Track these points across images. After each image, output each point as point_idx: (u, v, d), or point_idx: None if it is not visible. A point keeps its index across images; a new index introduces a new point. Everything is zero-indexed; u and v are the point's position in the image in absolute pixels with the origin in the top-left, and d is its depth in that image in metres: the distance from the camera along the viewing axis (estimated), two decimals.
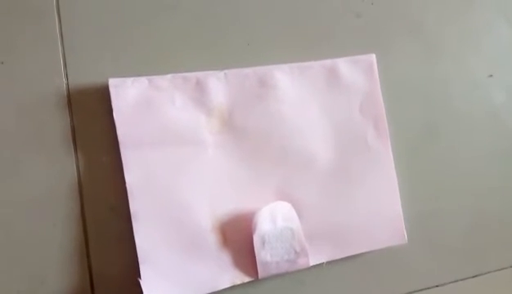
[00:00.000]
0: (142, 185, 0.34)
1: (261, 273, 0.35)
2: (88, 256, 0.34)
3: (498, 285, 0.42)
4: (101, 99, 0.34)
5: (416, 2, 0.42)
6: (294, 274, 0.37)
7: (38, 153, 0.34)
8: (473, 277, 0.41)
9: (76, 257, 0.34)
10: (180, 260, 0.34)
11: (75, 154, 0.34)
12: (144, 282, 0.33)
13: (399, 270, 0.40)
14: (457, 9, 0.43)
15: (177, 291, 0.34)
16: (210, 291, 0.34)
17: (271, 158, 0.36)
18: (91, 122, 0.35)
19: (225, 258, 0.35)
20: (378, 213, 0.38)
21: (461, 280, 0.41)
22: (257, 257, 0.35)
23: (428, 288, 0.40)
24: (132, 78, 0.35)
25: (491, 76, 0.43)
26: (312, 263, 0.36)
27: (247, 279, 0.35)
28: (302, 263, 0.36)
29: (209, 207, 0.35)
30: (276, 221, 0.35)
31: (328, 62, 0.38)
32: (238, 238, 0.35)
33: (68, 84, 0.35)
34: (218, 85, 0.36)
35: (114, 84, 0.34)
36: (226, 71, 0.36)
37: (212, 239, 0.35)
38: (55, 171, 0.34)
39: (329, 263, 0.37)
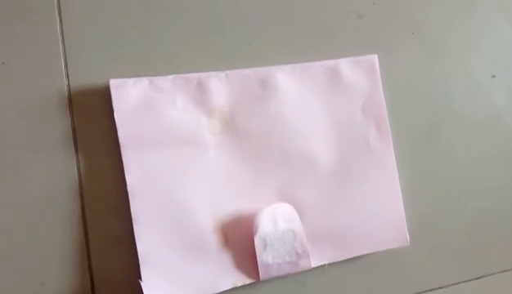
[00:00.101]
0: (143, 186, 0.34)
1: (262, 275, 0.35)
2: (89, 258, 0.34)
3: (501, 287, 0.42)
4: (102, 99, 0.34)
5: (418, 3, 0.42)
6: (295, 276, 0.37)
7: (39, 153, 0.34)
8: (477, 279, 0.41)
9: (77, 259, 0.34)
10: (181, 261, 0.34)
11: (76, 155, 0.34)
12: (145, 284, 0.33)
13: (401, 272, 0.40)
14: (459, 10, 0.43)
15: (177, 293, 0.34)
16: (211, 293, 0.34)
17: (272, 159, 0.36)
18: (92, 122, 0.34)
19: (226, 260, 0.35)
20: (380, 215, 0.38)
21: (464, 282, 0.41)
22: (258, 259, 0.34)
23: (431, 290, 0.40)
24: (133, 79, 0.34)
25: (493, 77, 0.43)
26: (313, 265, 0.36)
27: (248, 281, 0.35)
28: (303, 265, 0.35)
29: (210, 208, 0.35)
30: (277, 223, 0.35)
31: (330, 63, 0.38)
32: (239, 239, 0.35)
33: (69, 85, 0.35)
34: (220, 86, 0.36)
35: (115, 85, 0.34)
36: (227, 72, 0.36)
37: (213, 241, 0.35)
38: (55, 172, 0.34)
39: (330, 265, 0.37)
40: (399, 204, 0.38)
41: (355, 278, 0.39)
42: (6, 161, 0.33)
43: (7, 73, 0.34)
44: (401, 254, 0.39)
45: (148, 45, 0.36)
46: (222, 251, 0.35)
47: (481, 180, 0.42)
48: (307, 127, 0.37)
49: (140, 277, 0.33)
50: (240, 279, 0.35)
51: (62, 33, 0.35)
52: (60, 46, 0.35)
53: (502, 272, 0.42)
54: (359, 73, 0.39)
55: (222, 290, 0.34)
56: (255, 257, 0.35)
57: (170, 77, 0.35)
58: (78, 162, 0.34)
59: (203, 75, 0.36)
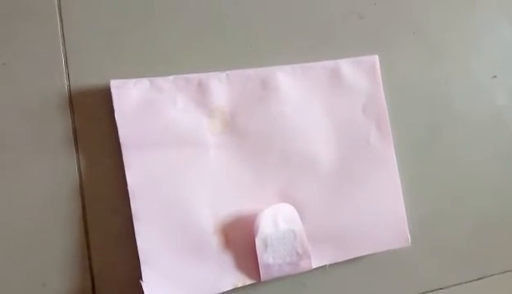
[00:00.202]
0: (144, 187, 0.34)
1: (263, 276, 0.35)
2: (90, 258, 0.34)
3: (502, 288, 0.42)
4: (102, 100, 0.34)
5: (419, 3, 0.42)
6: (296, 277, 0.37)
7: (40, 154, 0.34)
8: (478, 279, 0.41)
9: (77, 259, 0.34)
10: (182, 262, 0.34)
11: (77, 156, 0.34)
12: (145, 284, 0.33)
13: (402, 273, 0.40)
14: (460, 10, 0.43)
15: None
16: None
17: (273, 160, 0.36)
18: (92, 123, 0.34)
19: (227, 260, 0.35)
20: (381, 215, 0.38)
21: (465, 283, 0.41)
22: (259, 260, 0.34)
23: (432, 291, 0.40)
24: (133, 80, 0.34)
25: (495, 77, 0.43)
26: (314, 265, 0.36)
27: (249, 282, 0.35)
28: (304, 265, 0.35)
29: (211, 208, 0.35)
30: (278, 223, 0.35)
31: (331, 63, 0.38)
32: (240, 240, 0.35)
33: (70, 85, 0.35)
34: (220, 86, 0.36)
35: (115, 85, 0.34)
36: (228, 72, 0.36)
37: (214, 241, 0.35)
38: (56, 173, 0.34)
39: (331, 265, 0.37)
40: (400, 204, 0.38)
41: (356, 279, 0.38)
42: (7, 161, 0.33)
43: (8, 73, 0.34)
44: (402, 255, 0.39)
45: (149, 45, 0.36)
46: (222, 252, 0.35)
47: (482, 180, 0.42)
48: (308, 128, 0.37)
49: (141, 277, 0.33)
50: (240, 280, 0.35)
51: (63, 34, 0.35)
52: (61, 47, 0.35)
53: (503, 273, 0.42)
54: (360, 73, 0.39)
55: (222, 290, 0.34)
56: (256, 258, 0.35)
57: (171, 77, 0.35)
58: (78, 162, 0.34)
59: (203, 75, 0.36)
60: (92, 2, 0.35)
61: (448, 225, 0.41)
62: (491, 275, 0.42)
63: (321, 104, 0.38)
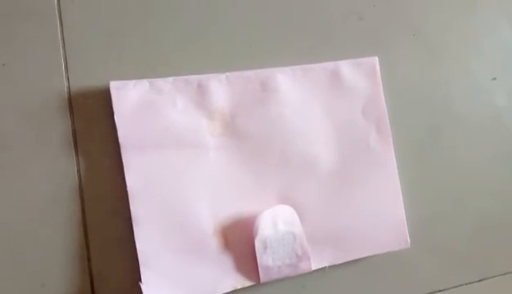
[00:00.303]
0: (143, 188, 0.34)
1: (262, 278, 0.35)
2: (89, 259, 0.34)
3: (503, 289, 0.42)
4: (102, 101, 0.34)
5: (419, 4, 0.42)
6: (295, 279, 0.37)
7: (40, 155, 0.34)
8: (478, 281, 0.41)
9: (77, 260, 0.34)
10: (181, 263, 0.34)
11: (76, 157, 0.34)
12: (145, 286, 0.33)
13: (402, 275, 0.40)
14: (459, 11, 0.43)
15: None
16: None
17: (272, 162, 0.36)
18: (92, 124, 0.34)
19: (226, 262, 0.35)
20: (380, 217, 0.38)
21: (466, 284, 0.41)
22: (258, 261, 0.34)
23: (432, 293, 0.40)
24: (133, 81, 0.34)
25: (494, 79, 0.43)
26: (314, 267, 0.36)
27: (248, 283, 0.35)
28: (304, 267, 0.35)
29: (211, 210, 0.35)
30: (277, 225, 0.35)
31: (330, 64, 0.38)
32: (239, 241, 0.35)
33: (69, 87, 0.35)
34: (220, 88, 0.36)
35: (115, 87, 0.34)
36: (227, 74, 0.36)
37: (213, 243, 0.35)
38: (56, 174, 0.34)
39: (331, 267, 0.37)
40: (400, 206, 0.38)
41: (355, 281, 0.38)
42: (7, 162, 0.33)
43: (7, 74, 0.34)
44: (401, 256, 0.39)
45: (148, 47, 0.36)
46: (222, 254, 0.35)
47: (482, 181, 0.42)
48: (308, 129, 0.37)
49: (140, 279, 0.33)
50: (240, 282, 0.35)
51: (62, 35, 0.35)
52: (61, 48, 0.35)
53: (504, 274, 0.42)
54: (360, 75, 0.38)
55: (222, 292, 0.34)
56: (255, 259, 0.35)
57: (170, 79, 0.35)
58: (78, 163, 0.34)
59: (203, 77, 0.36)
60: (91, 3, 0.35)
61: (448, 227, 0.41)
62: (491, 277, 0.41)
63: (321, 106, 0.38)
